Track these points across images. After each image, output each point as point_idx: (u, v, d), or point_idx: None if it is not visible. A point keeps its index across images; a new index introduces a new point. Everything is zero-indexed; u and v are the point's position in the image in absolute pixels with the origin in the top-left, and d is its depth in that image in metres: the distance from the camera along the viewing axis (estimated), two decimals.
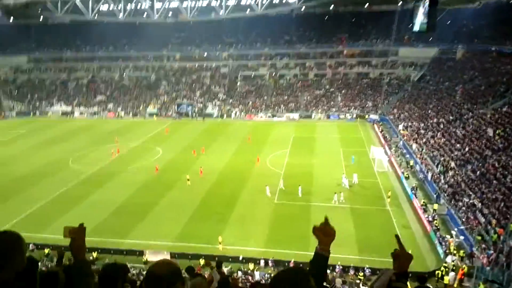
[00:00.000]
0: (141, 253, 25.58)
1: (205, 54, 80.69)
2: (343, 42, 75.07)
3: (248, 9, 72.00)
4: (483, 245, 24.66)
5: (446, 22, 59.16)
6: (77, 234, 2.59)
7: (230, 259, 24.78)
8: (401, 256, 2.48)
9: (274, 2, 70.38)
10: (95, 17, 73.45)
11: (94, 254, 25.09)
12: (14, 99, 76.65)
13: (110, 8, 73.65)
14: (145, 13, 74.96)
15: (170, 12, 76.19)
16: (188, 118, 67.40)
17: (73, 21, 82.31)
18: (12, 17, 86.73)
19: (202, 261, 24.34)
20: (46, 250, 25.58)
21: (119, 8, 72.98)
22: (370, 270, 23.30)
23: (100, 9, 73.96)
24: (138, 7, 75.20)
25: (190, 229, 28.92)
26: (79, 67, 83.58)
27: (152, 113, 69.23)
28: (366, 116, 62.63)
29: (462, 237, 26.53)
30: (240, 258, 24.98)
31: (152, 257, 25.23)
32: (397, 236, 2.71)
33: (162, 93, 74.94)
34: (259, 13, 70.15)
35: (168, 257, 25.27)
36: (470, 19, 64.74)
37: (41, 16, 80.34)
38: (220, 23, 78.27)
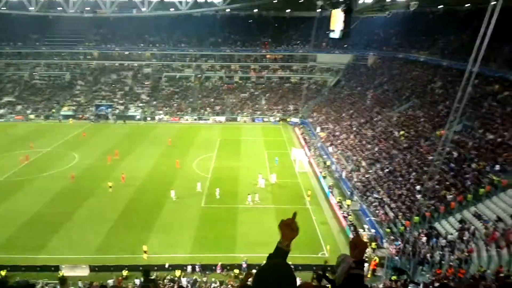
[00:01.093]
0: (57, 268, 23.76)
1: (126, 52, 77.44)
2: (266, 46, 77.09)
3: (172, 8, 70.60)
4: (392, 237, 27.18)
5: (360, 30, 63.04)
6: None
7: (156, 268, 24.21)
8: (358, 245, 2.65)
9: (198, 1, 69.79)
10: (2, 9, 66.47)
11: (3, 273, 22.83)
12: None
13: None
14: (59, 6, 69.76)
15: (88, 7, 71.80)
16: (107, 121, 64.08)
17: None
18: None
19: (125, 273, 23.55)
20: None
21: None
22: (293, 266, 24.41)
23: (8, 0, 67.20)
24: None
25: (111, 239, 27.68)
26: None
27: (67, 116, 64.57)
28: (288, 119, 65.09)
29: (373, 230, 28.78)
30: (166, 266, 24.56)
31: (69, 272, 23.67)
32: (355, 226, 2.99)
33: (78, 94, 70.33)
34: (183, 12, 68.86)
35: (87, 271, 23.97)
36: (381, 27, 68.31)
37: None
38: (143, 21, 75.22)
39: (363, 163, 38.44)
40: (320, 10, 70.40)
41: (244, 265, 24.23)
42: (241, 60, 77.59)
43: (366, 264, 24.79)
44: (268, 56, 77.69)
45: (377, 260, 25.26)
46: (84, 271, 23.92)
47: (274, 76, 76.05)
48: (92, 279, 22.70)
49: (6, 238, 27.38)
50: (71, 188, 36.11)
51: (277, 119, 65.62)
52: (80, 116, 64.82)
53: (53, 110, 65.82)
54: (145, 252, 25.63)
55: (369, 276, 24.48)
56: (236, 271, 23.93)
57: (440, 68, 48.19)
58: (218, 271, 24.49)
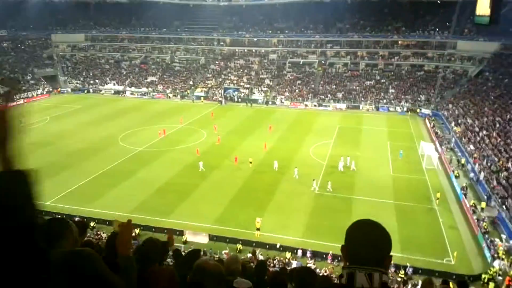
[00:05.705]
0: (181, 233, 25.99)
1: (255, 39, 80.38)
2: (399, 32, 71.91)
3: None
4: None
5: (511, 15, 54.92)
6: (125, 228, 2.61)
7: (267, 247, 24.79)
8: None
9: None
10: None
11: (137, 231, 25.74)
12: (70, 75, 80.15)
13: None
14: None
15: None
16: (233, 102, 67.73)
17: (131, 1, 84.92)
18: None
19: (239, 246, 24.56)
20: (92, 223, 26.53)
21: None
22: (412, 269, 22.50)
23: None
24: None
25: (229, 213, 29.19)
26: (133, 47, 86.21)
27: (199, 96, 70.20)
28: (418, 110, 59.90)
29: None
30: (278, 246, 24.89)
31: (191, 237, 25.80)
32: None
33: (210, 77, 75.78)
34: None
35: (206, 239, 25.72)
36: None
37: None
38: (273, 8, 77.58)
39: (508, 165, 33.09)
40: None
41: None
42: (369, 46, 73.83)
43: (500, 278, 21.63)
44: (399, 42, 72.34)
45: None
46: (204, 239, 25.75)
47: (405, 64, 70.52)
48: (210, 247, 24.31)
49: (141, 201, 30.83)
50: (198, 162, 38.94)
51: (405, 109, 60.97)
52: (210, 97, 69.88)
53: (188, 91, 72.21)
54: (258, 229, 26.27)
55: None
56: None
57: None
58: (329, 260, 23.86)
